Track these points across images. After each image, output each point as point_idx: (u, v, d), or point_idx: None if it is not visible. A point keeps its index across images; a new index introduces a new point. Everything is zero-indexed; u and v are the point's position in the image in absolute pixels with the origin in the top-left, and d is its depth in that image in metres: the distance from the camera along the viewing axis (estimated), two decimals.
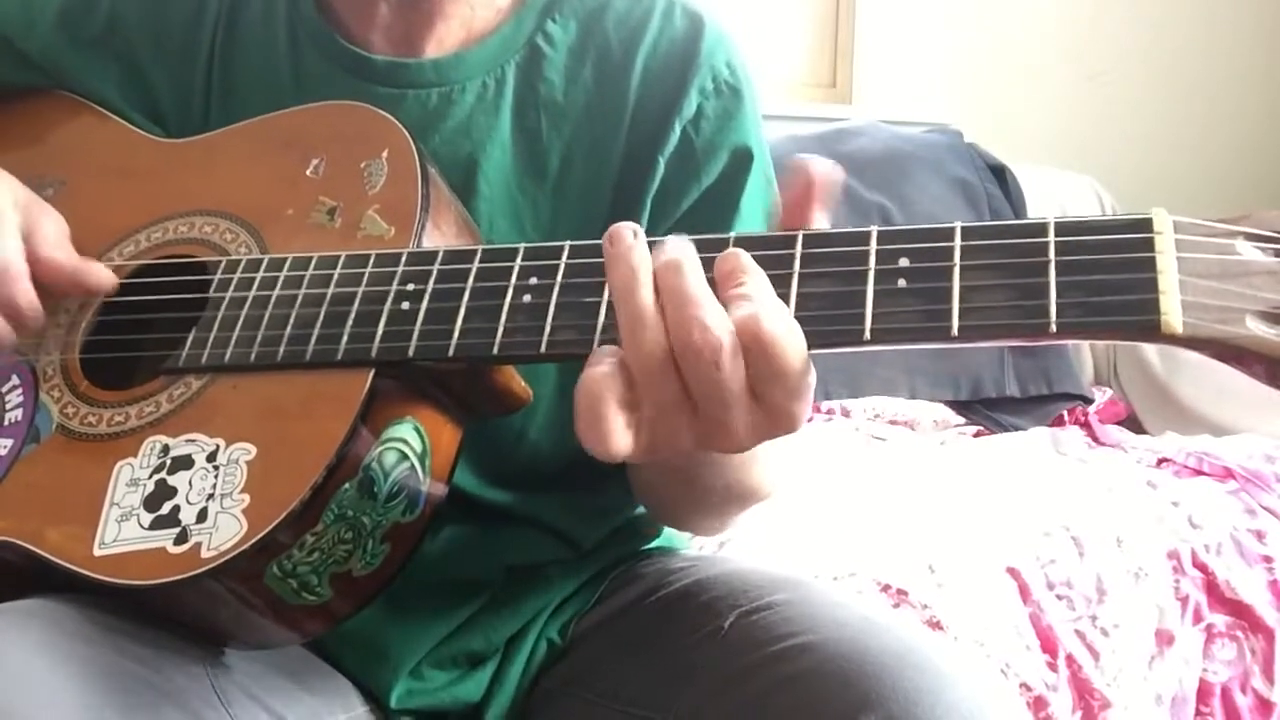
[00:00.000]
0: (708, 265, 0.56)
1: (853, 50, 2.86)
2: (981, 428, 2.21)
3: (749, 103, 0.86)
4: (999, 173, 2.50)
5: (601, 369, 0.55)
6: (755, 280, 0.55)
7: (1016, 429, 2.20)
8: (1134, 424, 2.32)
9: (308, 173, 0.75)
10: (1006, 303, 0.53)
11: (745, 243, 0.58)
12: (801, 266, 0.57)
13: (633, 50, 0.84)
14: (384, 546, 0.66)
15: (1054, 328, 0.52)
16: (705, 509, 0.83)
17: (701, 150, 0.83)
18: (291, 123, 0.79)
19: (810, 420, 2.08)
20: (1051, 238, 0.54)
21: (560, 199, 0.83)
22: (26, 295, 0.72)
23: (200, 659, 0.68)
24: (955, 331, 0.54)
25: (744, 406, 0.54)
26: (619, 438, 0.54)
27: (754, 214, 0.84)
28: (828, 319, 0.56)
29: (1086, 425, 2.16)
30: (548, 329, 0.60)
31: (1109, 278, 0.52)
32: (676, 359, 0.53)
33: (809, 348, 0.55)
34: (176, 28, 0.87)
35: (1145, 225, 0.53)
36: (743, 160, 0.84)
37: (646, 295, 0.55)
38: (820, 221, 0.59)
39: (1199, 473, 1.81)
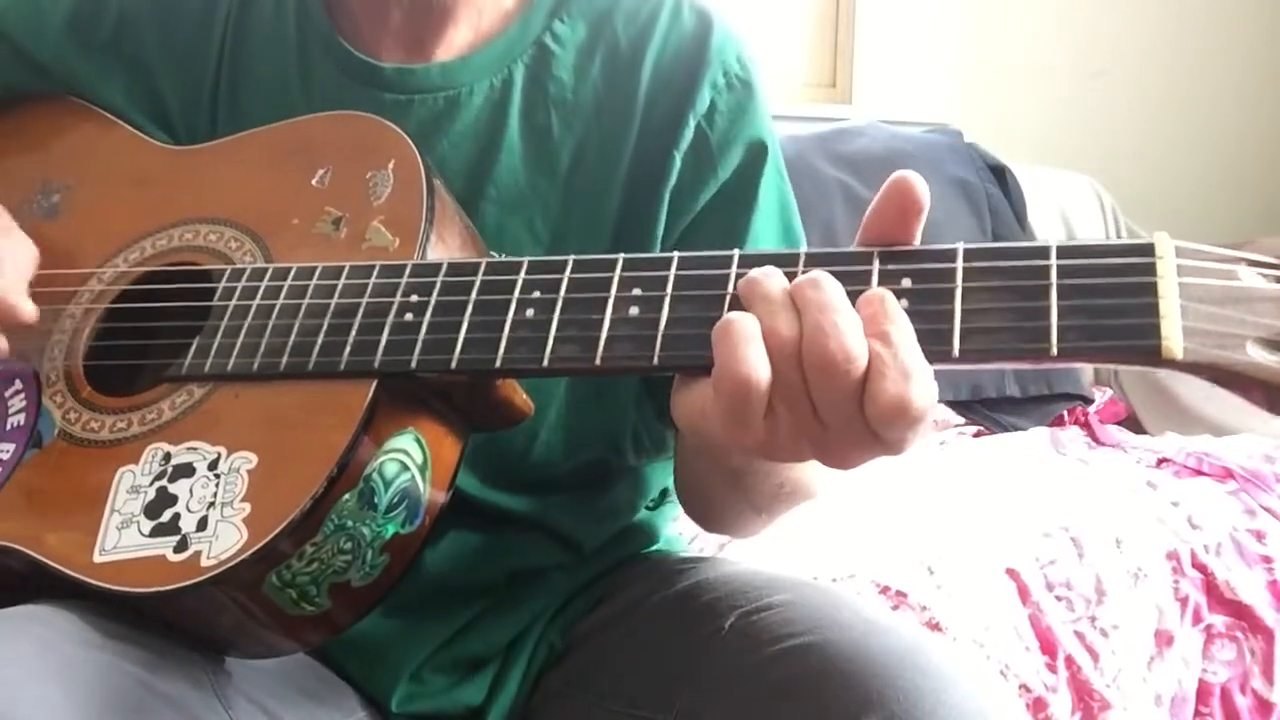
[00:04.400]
0: (710, 282, 0.56)
1: (853, 50, 2.86)
2: (981, 428, 2.21)
3: (760, 96, 0.86)
4: (999, 173, 2.49)
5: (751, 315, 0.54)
6: (901, 328, 0.53)
7: (1016, 429, 2.20)
8: (1134, 424, 2.32)
9: (313, 183, 0.75)
10: (1007, 325, 0.53)
11: (749, 260, 0.58)
12: None
13: (642, 48, 0.84)
14: (383, 557, 0.66)
15: (1055, 351, 0.52)
16: (753, 507, 0.81)
17: (717, 145, 0.83)
18: (298, 132, 0.79)
19: None
20: (1054, 261, 0.54)
21: (570, 196, 0.83)
22: None
23: (201, 665, 0.68)
24: (956, 353, 0.54)
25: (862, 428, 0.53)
26: (762, 371, 0.52)
27: (770, 205, 0.84)
28: None
29: (1086, 425, 2.16)
30: (550, 343, 0.60)
31: (1110, 302, 0.52)
32: (804, 365, 0.52)
33: None
34: (185, 33, 0.87)
35: (1147, 250, 0.53)
36: (758, 153, 0.84)
37: (780, 284, 0.54)
38: (917, 237, 0.58)
39: (1199, 473, 1.81)
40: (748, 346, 0.53)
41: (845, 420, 0.53)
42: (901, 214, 0.57)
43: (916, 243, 0.58)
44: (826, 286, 0.54)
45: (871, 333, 0.53)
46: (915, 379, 0.52)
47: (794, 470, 0.75)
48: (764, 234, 0.83)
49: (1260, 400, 0.50)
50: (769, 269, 0.56)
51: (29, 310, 0.74)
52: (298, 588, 0.63)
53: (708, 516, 0.87)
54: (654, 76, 0.84)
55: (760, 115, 0.85)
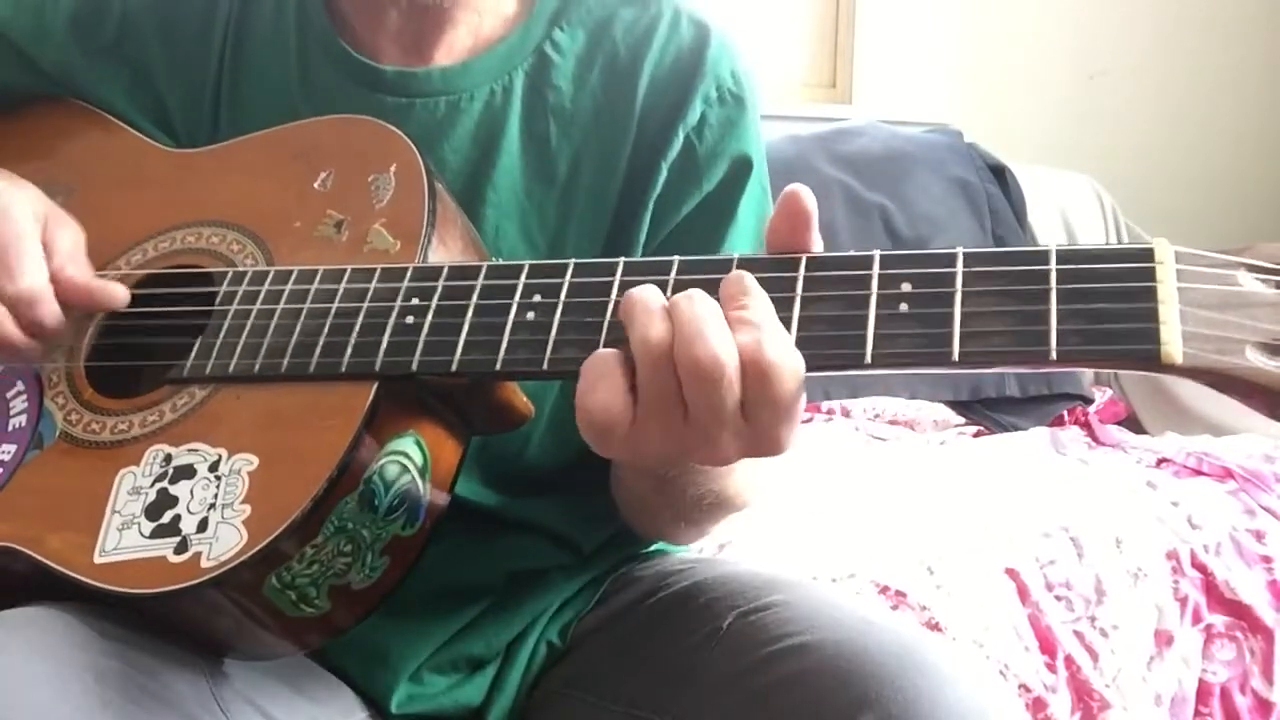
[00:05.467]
0: (712, 286, 0.56)
1: (853, 50, 2.86)
2: (981, 428, 2.21)
3: (751, 112, 0.86)
4: (999, 173, 2.49)
5: (613, 350, 0.56)
6: (759, 303, 0.56)
7: (1016, 429, 2.19)
8: (1134, 424, 2.32)
9: (315, 185, 0.75)
10: (1007, 329, 0.54)
11: (749, 264, 0.59)
12: (804, 290, 0.58)
13: (640, 58, 0.85)
14: (383, 559, 0.66)
15: (1054, 355, 0.53)
16: (682, 518, 0.83)
17: (704, 157, 0.84)
18: (300, 135, 0.79)
19: (810, 420, 2.09)
20: (1053, 266, 0.54)
21: (568, 204, 0.84)
22: (54, 317, 0.73)
23: (200, 666, 0.68)
24: (956, 357, 0.54)
25: (733, 426, 0.55)
26: (616, 406, 0.55)
27: (749, 222, 0.85)
28: (829, 342, 0.56)
29: (1086, 425, 2.16)
30: (550, 346, 0.60)
31: (1110, 307, 0.52)
32: (678, 369, 0.54)
33: (809, 370, 0.55)
34: (187, 35, 0.87)
35: (1147, 255, 0.53)
36: (742, 169, 0.85)
37: (659, 300, 0.56)
38: (816, 245, 0.60)
39: (1199, 473, 1.81)
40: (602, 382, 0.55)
41: (721, 420, 0.55)
42: (791, 225, 0.59)
43: (815, 248, 0.59)
44: (698, 300, 0.55)
45: (731, 311, 0.55)
46: (787, 354, 0.54)
47: (716, 483, 0.77)
48: (738, 249, 0.84)
49: (1260, 405, 0.50)
50: (648, 287, 0.57)
51: (121, 296, 0.74)
52: (298, 589, 0.64)
53: (639, 523, 0.87)
54: (650, 87, 0.85)
55: (750, 131, 0.86)
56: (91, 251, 0.77)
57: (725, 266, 0.59)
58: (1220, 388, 0.51)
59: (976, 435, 2.17)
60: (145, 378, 0.72)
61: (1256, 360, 0.50)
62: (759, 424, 0.55)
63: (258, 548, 0.61)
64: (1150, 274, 0.52)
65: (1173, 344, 0.51)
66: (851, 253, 0.58)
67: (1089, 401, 2.30)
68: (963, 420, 2.23)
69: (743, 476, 0.79)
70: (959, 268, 0.56)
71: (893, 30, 2.85)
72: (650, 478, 0.76)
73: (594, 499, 0.87)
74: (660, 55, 0.85)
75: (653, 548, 0.94)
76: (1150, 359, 0.51)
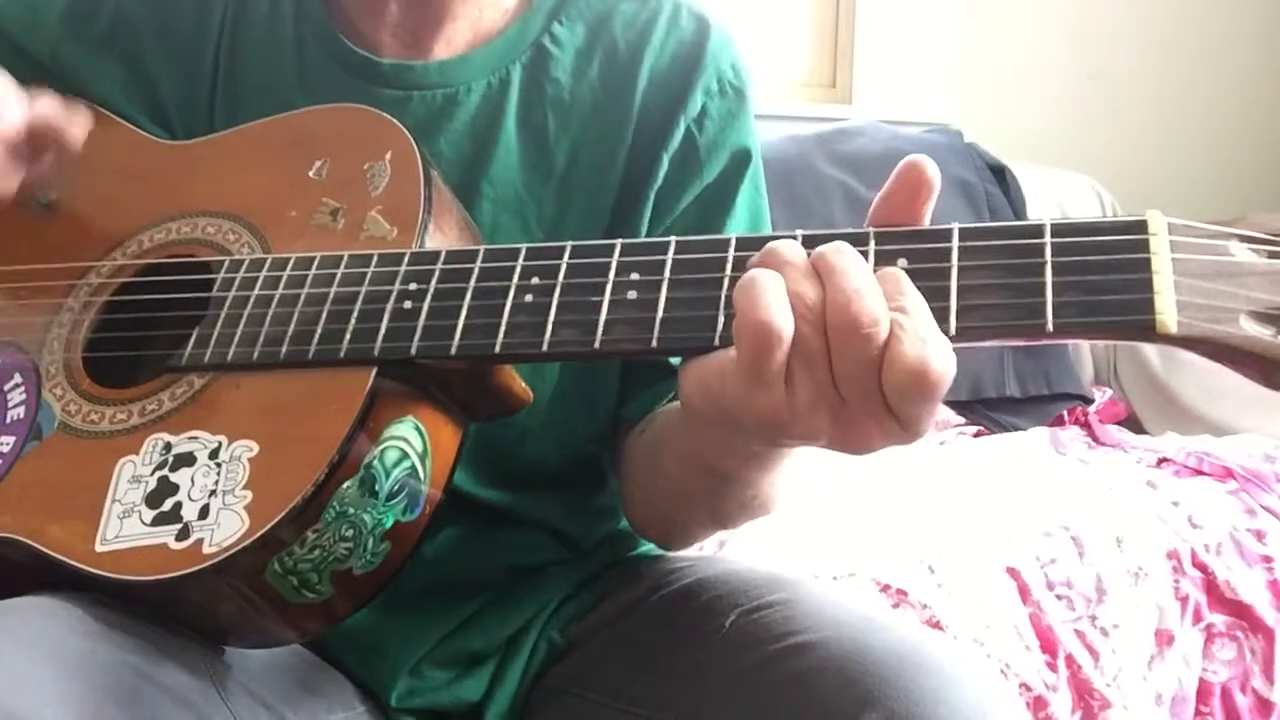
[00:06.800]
0: (711, 265, 0.56)
1: (853, 50, 2.86)
2: (981, 428, 2.21)
3: (750, 105, 0.87)
4: (999, 172, 2.50)
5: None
6: (914, 304, 0.54)
7: (1016, 429, 2.20)
8: (1134, 424, 2.32)
9: (311, 174, 0.75)
10: (1004, 302, 0.54)
11: (745, 243, 0.59)
12: None
13: (640, 52, 0.85)
14: (384, 545, 0.66)
15: (1050, 327, 0.53)
16: (715, 518, 0.81)
17: (704, 149, 0.85)
18: (295, 125, 0.79)
19: None
20: (1048, 239, 0.55)
21: (566, 196, 0.84)
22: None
23: (201, 657, 0.68)
24: (953, 331, 0.54)
25: (878, 410, 0.53)
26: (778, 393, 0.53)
27: (744, 214, 0.86)
28: None
29: (1086, 425, 2.16)
30: (549, 329, 0.60)
31: (1105, 278, 0.53)
32: (829, 335, 0.53)
33: None
34: (182, 28, 0.87)
35: (1140, 227, 0.54)
36: (742, 161, 0.86)
37: (805, 266, 0.54)
38: (926, 220, 0.59)
39: (1199, 473, 1.81)
40: (771, 296, 0.53)
41: (864, 392, 0.53)
42: (912, 196, 0.58)
43: (925, 223, 0.58)
44: (848, 254, 0.54)
45: (889, 306, 0.53)
46: (933, 345, 0.52)
47: (765, 480, 0.75)
48: None
49: (1255, 374, 0.51)
50: (787, 242, 0.56)
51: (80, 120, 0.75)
52: (299, 575, 0.63)
53: (664, 530, 0.86)
54: (650, 80, 0.85)
55: (748, 124, 0.87)
56: (87, 243, 0.77)
57: (723, 246, 0.59)
58: (1214, 357, 0.51)
59: (976, 435, 2.18)
60: (143, 368, 0.72)
61: (1250, 329, 0.50)
62: (906, 416, 0.53)
63: (259, 533, 0.61)
64: (1144, 245, 0.53)
65: (1167, 313, 0.51)
66: (848, 229, 0.59)
67: (1089, 401, 2.30)
68: (963, 420, 2.23)
69: (783, 479, 0.77)
70: (954, 242, 0.56)
71: (893, 30, 2.85)
72: (709, 475, 0.73)
73: (592, 494, 0.87)
74: (660, 48, 0.86)
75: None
76: (1145, 329, 0.51)
